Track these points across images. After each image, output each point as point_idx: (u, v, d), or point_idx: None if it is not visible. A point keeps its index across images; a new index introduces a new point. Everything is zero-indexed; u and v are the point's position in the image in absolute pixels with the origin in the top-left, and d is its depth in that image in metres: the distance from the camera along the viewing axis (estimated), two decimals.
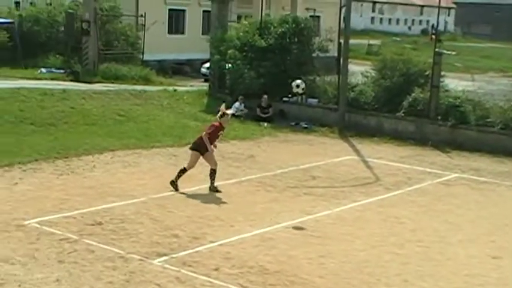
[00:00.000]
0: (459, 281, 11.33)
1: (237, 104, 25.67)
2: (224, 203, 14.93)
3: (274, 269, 11.20)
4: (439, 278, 11.35)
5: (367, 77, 26.00)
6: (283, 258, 11.73)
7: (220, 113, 15.84)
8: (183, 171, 15.63)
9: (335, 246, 12.54)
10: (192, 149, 15.85)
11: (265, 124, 24.62)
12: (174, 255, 11.51)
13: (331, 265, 11.63)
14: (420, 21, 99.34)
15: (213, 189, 15.66)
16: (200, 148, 15.60)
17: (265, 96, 25.63)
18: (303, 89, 13.56)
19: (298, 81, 13.59)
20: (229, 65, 27.22)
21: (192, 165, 15.73)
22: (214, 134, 15.67)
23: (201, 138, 15.64)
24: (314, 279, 10.95)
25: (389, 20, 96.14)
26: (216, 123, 15.80)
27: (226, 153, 19.36)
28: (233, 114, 23.54)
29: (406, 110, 23.68)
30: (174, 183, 15.50)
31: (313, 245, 12.56)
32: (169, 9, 41.36)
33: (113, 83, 29.52)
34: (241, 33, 27.59)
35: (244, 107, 25.83)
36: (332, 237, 13.07)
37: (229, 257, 11.63)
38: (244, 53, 26.78)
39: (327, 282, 10.89)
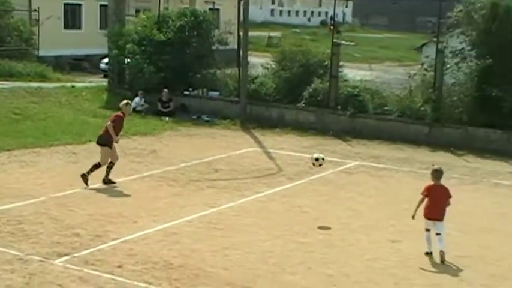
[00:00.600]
0: (361, 265, 11.55)
1: (137, 99, 25.38)
2: (127, 199, 14.75)
3: (179, 263, 11.13)
4: (342, 264, 11.55)
5: (267, 68, 26.19)
6: (187, 252, 11.67)
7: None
8: (97, 166, 15.54)
9: (239, 238, 12.56)
10: (99, 144, 15.70)
11: (167, 118, 24.46)
12: (75, 255, 11.27)
13: (235, 257, 11.65)
14: (319, 13, 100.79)
15: (107, 181, 15.56)
16: (107, 142, 15.50)
17: (166, 90, 25.45)
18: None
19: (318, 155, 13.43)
20: (128, 60, 26.89)
21: (105, 160, 15.58)
22: (119, 124, 15.57)
23: (106, 130, 15.49)
24: (219, 272, 10.94)
25: (289, 12, 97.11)
26: (119, 113, 15.72)
27: (127, 149, 19.11)
28: (134, 109, 23.30)
29: (306, 100, 23.98)
30: (85, 177, 15.39)
31: (217, 237, 12.55)
32: (65, 4, 40.56)
33: (7, 80, 28.66)
34: (139, 28, 27.28)
35: (145, 101, 25.57)
36: (236, 229, 13.09)
37: (132, 254, 11.48)
38: (143, 47, 26.51)
39: (231, 274, 10.89)
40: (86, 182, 15.30)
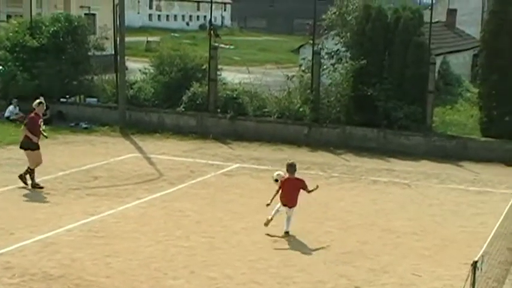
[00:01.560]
0: (244, 267, 11.59)
1: (11, 108, 24.57)
2: (3, 210, 14.21)
3: (58, 274, 10.83)
4: (225, 266, 11.55)
5: (145, 73, 25.88)
6: (67, 262, 11.37)
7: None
8: (30, 171, 15.75)
9: (120, 245, 12.35)
10: (22, 148, 16.05)
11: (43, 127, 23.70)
12: None
13: (117, 264, 11.44)
14: (198, 17, 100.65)
15: (34, 185, 15.84)
16: (29, 145, 15.66)
17: (41, 97, 24.64)
18: None
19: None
20: (0, 67, 25.94)
21: (33, 163, 15.81)
22: (35, 125, 15.68)
23: (25, 134, 15.69)
24: (100, 280, 10.71)
25: (167, 16, 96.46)
26: (32, 115, 15.82)
27: (2, 159, 18.49)
28: (7, 118, 22.52)
29: (186, 104, 23.88)
30: (23, 179, 15.80)
31: (98, 245, 12.29)
32: None
33: None
34: (10, 34, 26.35)
35: (19, 110, 24.71)
36: (117, 236, 12.87)
37: (9, 267, 11.08)
38: (16, 54, 25.63)
39: (113, 282, 10.69)
40: (25, 182, 15.87)
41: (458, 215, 15.37)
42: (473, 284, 7.73)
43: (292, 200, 13.22)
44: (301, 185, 13.28)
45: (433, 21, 24.96)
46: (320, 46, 24.13)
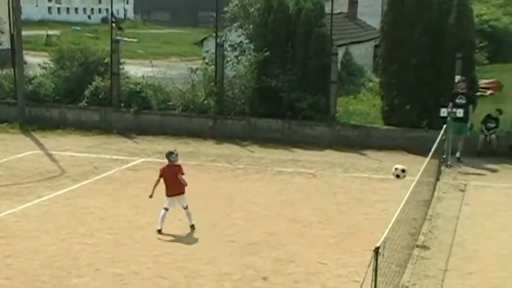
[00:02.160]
0: (150, 262, 11.46)
1: None
2: None
3: None
4: (130, 262, 11.40)
5: (45, 68, 25.22)
6: None
7: None
8: None
9: (21, 244, 12.02)
10: None
11: None
12: None
13: (18, 264, 11.13)
14: (100, 10, 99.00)
15: None
16: None
17: None
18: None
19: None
20: None
21: None
22: None
23: None
24: (1, 282, 10.37)
25: (68, 9, 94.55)
26: None
27: None
28: None
29: (88, 99, 23.42)
30: None
31: None
32: None
33: None
34: None
35: None
36: (18, 236, 12.51)
37: None
38: None
39: (14, 283, 10.39)
40: None
41: (362, 202, 15.65)
42: (375, 269, 7.86)
43: (177, 186, 13.01)
44: (179, 170, 13.11)
45: (334, 12, 25.28)
46: (223, 38, 24.08)
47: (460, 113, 19.24)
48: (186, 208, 13.13)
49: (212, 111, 22.77)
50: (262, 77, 22.44)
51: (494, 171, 19.23)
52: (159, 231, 12.90)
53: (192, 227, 13.12)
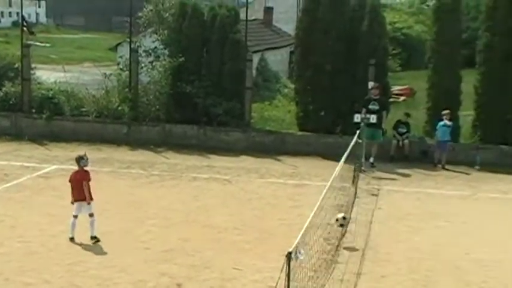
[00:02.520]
0: (62, 270, 11.23)
1: None
2: None
3: None
4: (42, 271, 11.14)
5: None
6: None
7: None
8: None
9: None
10: None
11: None
12: None
13: None
14: (10, 13, 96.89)
15: None
16: None
17: None
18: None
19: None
20: None
21: None
22: None
23: None
24: None
25: None
26: None
27: None
28: None
29: None
30: None
31: None
32: None
33: None
34: None
35: None
36: None
37: None
38: None
39: None
40: None
41: (277, 208, 15.74)
42: (288, 274, 7.89)
43: (81, 192, 12.68)
44: (87, 176, 12.79)
45: (250, 18, 25.42)
46: (138, 44, 23.85)
47: (373, 118, 19.62)
48: (91, 216, 12.70)
49: (126, 117, 22.52)
50: (177, 83, 22.35)
51: (406, 175, 19.67)
52: (71, 239, 12.64)
53: (94, 238, 12.67)
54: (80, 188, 12.68)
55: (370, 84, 21.20)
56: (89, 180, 12.77)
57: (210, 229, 13.77)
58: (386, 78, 23.03)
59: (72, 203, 12.80)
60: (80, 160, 12.90)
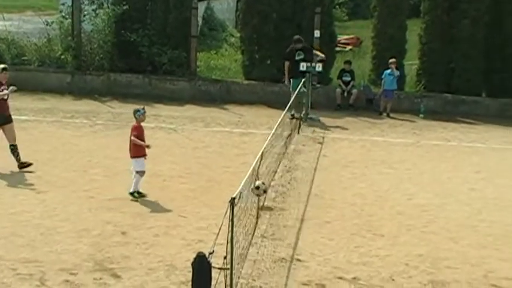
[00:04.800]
0: (5, 220, 11.10)
1: None
2: None
3: None
4: None
5: None
6: None
7: None
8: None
9: None
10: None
11: None
12: None
13: None
14: None
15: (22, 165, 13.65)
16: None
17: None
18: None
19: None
20: None
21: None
22: None
23: None
24: None
25: None
26: None
27: None
28: None
29: None
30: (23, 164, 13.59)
31: None
32: None
33: None
34: None
35: None
36: None
37: None
38: None
39: None
40: (26, 165, 13.75)
41: (222, 156, 15.75)
42: (232, 219, 7.92)
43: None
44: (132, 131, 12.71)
45: None
46: None
47: (319, 67, 19.61)
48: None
49: (70, 66, 22.14)
50: (121, 31, 21.98)
51: (351, 123, 19.83)
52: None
53: (131, 194, 12.43)
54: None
55: (316, 32, 21.18)
56: (134, 135, 12.54)
57: (155, 178, 13.68)
58: (332, 27, 23.04)
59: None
60: (135, 113, 12.70)
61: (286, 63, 19.93)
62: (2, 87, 13.87)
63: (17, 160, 13.75)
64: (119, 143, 16.33)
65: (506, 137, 19.13)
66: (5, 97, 13.95)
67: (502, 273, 10.05)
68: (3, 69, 14.17)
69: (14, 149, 13.81)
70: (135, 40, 21.78)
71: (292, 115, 18.32)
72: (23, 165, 13.76)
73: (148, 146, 12.66)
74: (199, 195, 12.90)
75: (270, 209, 12.19)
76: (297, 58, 19.81)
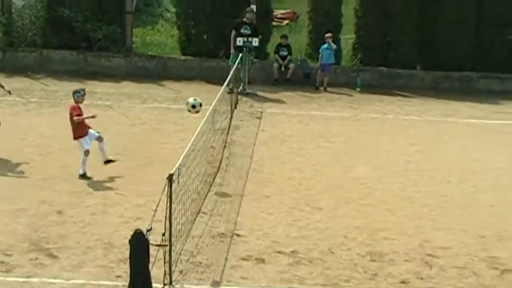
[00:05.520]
0: None
1: None
2: None
3: None
4: None
5: None
6: None
7: None
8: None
9: None
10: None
11: None
12: None
13: None
14: None
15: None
16: None
17: None
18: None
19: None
20: None
21: None
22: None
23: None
24: None
25: None
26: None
27: None
28: None
29: None
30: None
31: None
32: None
33: None
34: None
35: None
36: None
37: None
38: None
39: None
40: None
41: (160, 132, 15.63)
42: (170, 196, 7.85)
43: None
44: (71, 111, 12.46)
45: None
46: None
47: (255, 42, 19.56)
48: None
49: (1, 42, 21.56)
50: (53, 7, 21.48)
51: (289, 98, 19.86)
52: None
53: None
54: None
55: (252, 7, 21.06)
56: (76, 115, 12.29)
57: (90, 155, 13.45)
58: (268, 1, 22.94)
59: None
60: (74, 94, 12.50)
61: (233, 33, 19.85)
62: None
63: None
64: (53, 121, 16.10)
65: (440, 109, 19.44)
66: None
67: (437, 243, 10.25)
68: None
69: None
70: (68, 15, 21.31)
71: (231, 89, 18.24)
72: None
73: (94, 116, 12.49)
74: (137, 172, 12.78)
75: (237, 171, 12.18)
76: (242, 30, 19.77)
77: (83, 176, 12.23)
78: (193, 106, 12.63)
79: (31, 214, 10.55)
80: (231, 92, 18.06)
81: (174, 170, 8.08)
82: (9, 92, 14.17)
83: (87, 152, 12.31)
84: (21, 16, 21.95)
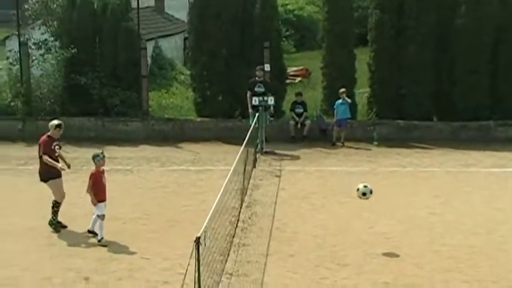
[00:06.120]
0: None
1: None
2: None
3: None
4: None
5: None
6: None
7: None
8: (56, 205, 13.01)
9: None
10: (42, 180, 13.28)
11: None
12: None
13: None
14: None
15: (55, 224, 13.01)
16: (46, 175, 13.17)
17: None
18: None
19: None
20: None
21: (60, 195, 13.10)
22: (48, 148, 13.19)
23: (42, 163, 13.07)
24: None
25: None
26: (43, 137, 13.48)
27: None
28: None
29: None
30: (54, 223, 12.93)
31: None
32: None
33: None
34: None
35: None
36: None
37: None
38: None
39: None
40: (61, 226, 13.18)
41: (181, 195, 15.65)
42: (198, 259, 7.84)
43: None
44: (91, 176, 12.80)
45: (141, 6, 25.00)
46: (27, 36, 23.10)
47: (271, 100, 19.71)
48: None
49: (20, 112, 21.85)
50: (70, 75, 21.82)
51: (306, 155, 19.89)
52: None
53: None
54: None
55: (266, 66, 21.28)
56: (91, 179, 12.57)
57: (114, 221, 13.50)
58: (281, 60, 23.22)
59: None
60: (94, 158, 12.66)
61: (248, 93, 20.04)
62: (54, 144, 13.67)
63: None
64: (75, 187, 16.10)
65: (459, 159, 19.37)
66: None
67: None
68: (57, 126, 13.95)
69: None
70: (85, 83, 21.63)
71: (262, 149, 18.40)
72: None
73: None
74: (161, 235, 12.78)
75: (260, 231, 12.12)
76: (256, 89, 19.97)
77: (101, 241, 12.31)
78: (364, 194, 12.70)
79: (57, 283, 10.57)
80: (260, 152, 18.07)
81: (200, 232, 8.08)
82: (69, 166, 14.16)
83: (103, 217, 12.36)
84: (39, 85, 22.27)
